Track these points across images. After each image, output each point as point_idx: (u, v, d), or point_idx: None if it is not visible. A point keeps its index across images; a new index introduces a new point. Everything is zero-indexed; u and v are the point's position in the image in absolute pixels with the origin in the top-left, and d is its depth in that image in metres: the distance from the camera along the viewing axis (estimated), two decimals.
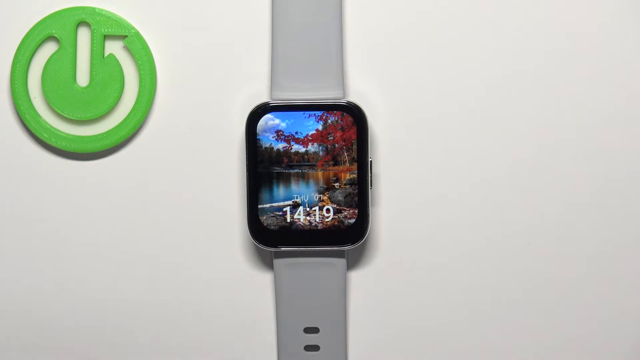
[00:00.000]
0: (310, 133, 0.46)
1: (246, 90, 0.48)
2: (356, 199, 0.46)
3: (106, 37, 0.48)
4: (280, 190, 0.46)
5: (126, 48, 0.48)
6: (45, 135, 0.48)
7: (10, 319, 0.50)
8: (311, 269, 0.47)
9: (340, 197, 0.46)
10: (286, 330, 0.48)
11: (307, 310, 0.48)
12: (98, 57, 0.48)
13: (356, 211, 0.46)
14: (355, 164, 0.46)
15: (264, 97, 0.48)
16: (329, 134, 0.46)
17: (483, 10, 0.48)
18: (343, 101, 0.46)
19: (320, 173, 0.46)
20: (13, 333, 0.50)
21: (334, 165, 0.46)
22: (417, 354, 0.50)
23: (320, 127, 0.46)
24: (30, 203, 0.49)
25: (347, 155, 0.46)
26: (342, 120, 0.46)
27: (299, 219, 0.46)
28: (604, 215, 0.49)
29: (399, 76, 0.48)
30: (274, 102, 0.46)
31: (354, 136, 0.46)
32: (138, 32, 0.48)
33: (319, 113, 0.46)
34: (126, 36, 0.48)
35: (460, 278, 0.49)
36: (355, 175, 0.46)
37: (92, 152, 0.49)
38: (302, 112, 0.46)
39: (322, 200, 0.46)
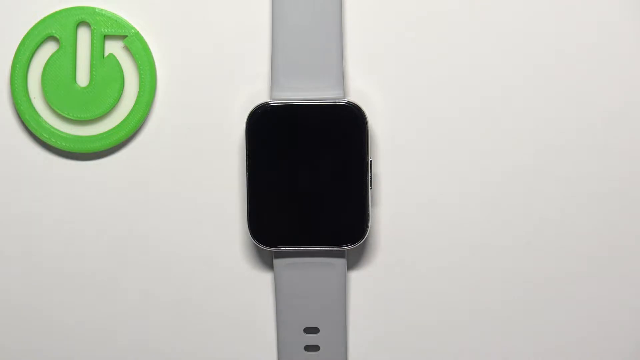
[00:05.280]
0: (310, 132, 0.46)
1: (246, 90, 0.48)
2: (356, 199, 0.46)
3: (106, 37, 0.48)
4: (280, 190, 0.46)
5: (126, 48, 0.48)
6: (45, 135, 0.48)
7: (10, 318, 0.50)
8: (311, 269, 0.47)
9: (340, 197, 0.46)
10: (286, 330, 0.48)
11: (307, 310, 0.48)
12: (98, 57, 0.48)
13: (356, 211, 0.46)
14: (356, 164, 0.46)
15: (264, 97, 0.48)
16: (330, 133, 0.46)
17: (484, 11, 0.48)
18: (343, 101, 0.46)
19: (320, 172, 0.46)
20: (13, 333, 0.50)
21: (335, 164, 0.46)
22: (417, 354, 0.50)
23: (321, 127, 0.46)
24: (30, 203, 0.49)
25: (348, 155, 0.46)
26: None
27: (299, 218, 0.46)
28: (603, 215, 0.49)
29: (399, 76, 0.48)
30: (274, 102, 0.46)
31: (354, 136, 0.46)
32: (138, 32, 0.48)
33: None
34: (126, 36, 0.48)
35: (460, 278, 0.49)
36: (355, 175, 0.46)
37: (92, 152, 0.49)
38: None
39: (322, 200, 0.46)
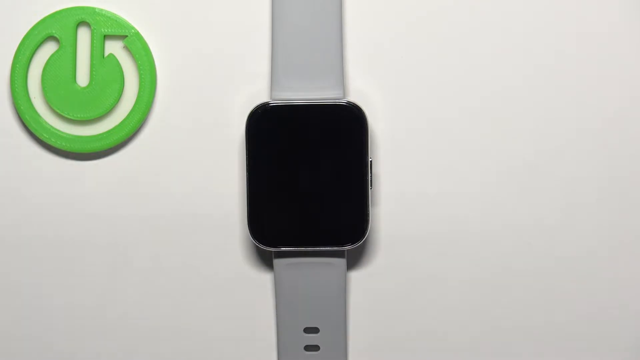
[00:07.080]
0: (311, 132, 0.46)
1: (246, 90, 0.48)
2: (356, 199, 0.46)
3: (106, 37, 0.48)
4: (280, 190, 0.46)
5: (126, 48, 0.48)
6: (45, 135, 0.48)
7: (10, 319, 0.50)
8: (311, 269, 0.47)
9: (340, 197, 0.46)
10: (286, 330, 0.48)
11: (307, 310, 0.48)
12: (98, 57, 0.48)
13: (356, 211, 0.46)
14: (356, 164, 0.46)
15: (264, 97, 0.48)
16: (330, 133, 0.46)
17: (483, 11, 0.48)
18: (343, 101, 0.46)
19: (320, 172, 0.46)
20: (13, 333, 0.50)
21: (335, 164, 0.46)
22: (417, 354, 0.50)
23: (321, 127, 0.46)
24: (30, 203, 0.49)
25: (348, 155, 0.46)
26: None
27: (299, 218, 0.46)
28: (604, 216, 0.49)
29: (399, 76, 0.48)
30: (274, 102, 0.46)
31: (354, 136, 0.46)
32: (138, 32, 0.48)
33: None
34: (126, 36, 0.48)
35: (460, 278, 0.49)
36: (355, 175, 0.46)
37: (92, 152, 0.49)
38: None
39: (322, 200, 0.46)
